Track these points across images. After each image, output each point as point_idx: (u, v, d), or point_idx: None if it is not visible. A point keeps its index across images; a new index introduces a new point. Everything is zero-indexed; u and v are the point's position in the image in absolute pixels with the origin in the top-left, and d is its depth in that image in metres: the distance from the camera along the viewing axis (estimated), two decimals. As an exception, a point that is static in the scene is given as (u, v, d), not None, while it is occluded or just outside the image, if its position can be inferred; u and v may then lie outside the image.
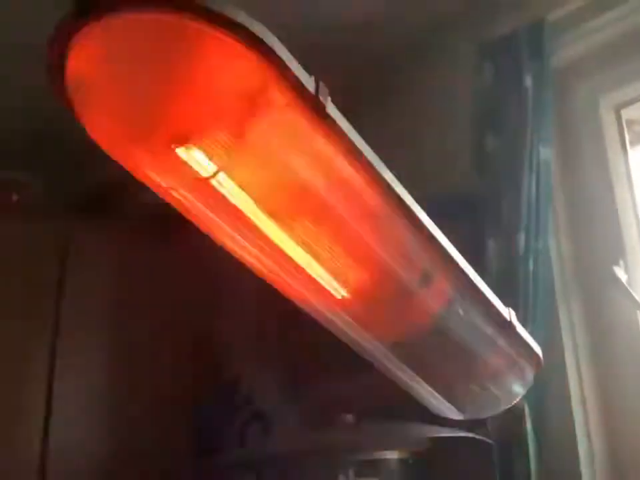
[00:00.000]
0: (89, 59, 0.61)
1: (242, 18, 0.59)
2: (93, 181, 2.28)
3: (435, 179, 1.59)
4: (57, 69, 0.62)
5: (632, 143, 1.59)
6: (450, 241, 0.87)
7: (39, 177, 2.20)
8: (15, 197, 2.08)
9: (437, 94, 1.80)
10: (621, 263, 1.47)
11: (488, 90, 1.59)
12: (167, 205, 0.85)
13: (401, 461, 1.29)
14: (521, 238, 1.43)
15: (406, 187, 0.79)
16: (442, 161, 1.70)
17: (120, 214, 2.22)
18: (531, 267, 1.42)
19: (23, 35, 1.82)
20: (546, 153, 1.50)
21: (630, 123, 1.62)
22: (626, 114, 1.61)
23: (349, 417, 1.30)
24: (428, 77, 1.86)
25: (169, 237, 2.18)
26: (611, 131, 1.59)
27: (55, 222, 2.01)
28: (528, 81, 1.53)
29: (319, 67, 0.70)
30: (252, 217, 0.75)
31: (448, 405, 1.14)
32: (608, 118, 1.61)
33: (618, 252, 1.48)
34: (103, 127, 0.64)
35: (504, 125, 1.54)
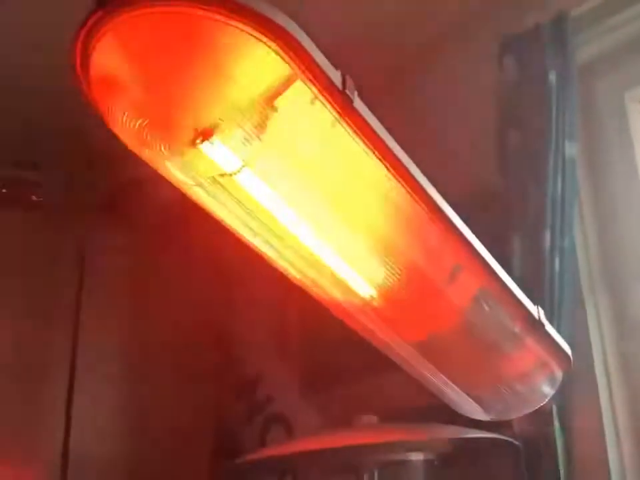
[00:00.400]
0: (112, 55, 0.61)
1: (267, 10, 0.58)
2: (112, 180, 2.29)
3: (459, 176, 1.57)
4: (81, 66, 0.62)
5: (658, 138, 1.56)
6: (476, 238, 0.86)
7: (57, 177, 2.21)
8: (34, 197, 2.08)
9: (460, 90, 1.78)
10: (649, 260, 1.44)
11: (511, 86, 1.57)
12: (185, 204, 0.84)
13: (427, 462, 1.27)
14: (547, 235, 1.41)
15: (430, 184, 0.78)
16: (466, 157, 1.69)
17: (138, 214, 2.22)
18: (557, 264, 1.40)
19: (42, 34, 1.84)
20: (571, 149, 1.47)
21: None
22: (652, 108, 1.58)
23: (373, 418, 1.28)
24: (451, 72, 1.85)
25: (188, 236, 2.18)
26: (637, 126, 1.56)
27: (73, 222, 2.02)
28: (552, 77, 1.51)
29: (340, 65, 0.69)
30: (277, 214, 0.74)
31: (474, 405, 1.12)
32: (634, 113, 1.58)
33: (645, 249, 1.46)
34: (126, 124, 0.63)
35: (528, 121, 1.51)
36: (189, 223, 2.08)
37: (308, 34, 0.61)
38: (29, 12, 1.77)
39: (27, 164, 2.15)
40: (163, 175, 0.71)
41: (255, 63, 0.61)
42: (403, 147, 0.73)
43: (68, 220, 2.01)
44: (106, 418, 1.94)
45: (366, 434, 1.23)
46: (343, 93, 0.64)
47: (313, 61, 0.61)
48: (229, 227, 0.79)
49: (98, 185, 2.29)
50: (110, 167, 2.23)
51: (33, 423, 1.80)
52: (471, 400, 1.09)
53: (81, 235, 2.00)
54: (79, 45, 0.60)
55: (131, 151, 0.68)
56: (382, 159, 0.70)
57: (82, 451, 1.84)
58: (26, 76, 2.01)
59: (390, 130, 0.71)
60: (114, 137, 0.66)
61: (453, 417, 1.19)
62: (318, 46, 0.63)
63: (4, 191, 2.03)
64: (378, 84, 1.79)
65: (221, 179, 0.69)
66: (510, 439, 1.24)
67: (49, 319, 1.90)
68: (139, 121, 0.62)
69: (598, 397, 1.40)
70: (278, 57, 0.60)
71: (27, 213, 1.94)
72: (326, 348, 1.99)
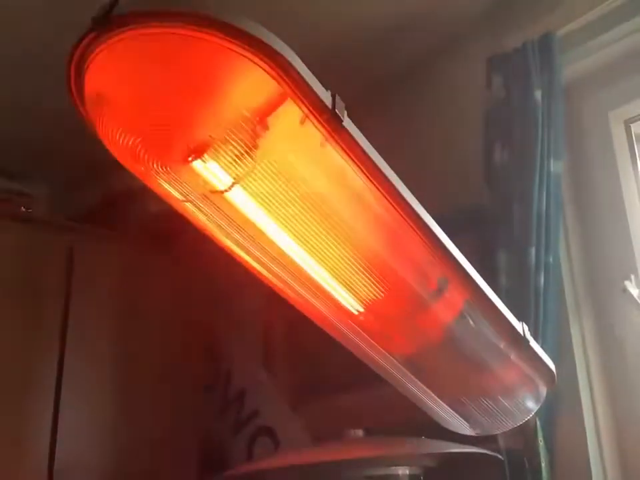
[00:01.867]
0: (107, 73, 0.62)
1: (259, 32, 0.59)
2: (98, 192, 2.29)
3: (445, 192, 1.59)
4: (75, 84, 0.63)
5: (642, 158, 1.59)
6: (462, 254, 0.87)
7: (44, 189, 2.21)
8: (22, 208, 2.08)
9: (448, 107, 1.80)
10: (632, 277, 1.46)
11: (498, 103, 1.60)
12: (170, 216, 0.85)
13: (412, 477, 1.27)
14: (532, 251, 1.42)
15: (417, 201, 0.79)
16: (453, 174, 1.70)
17: (124, 225, 2.22)
18: (542, 281, 1.42)
19: (30, 49, 1.84)
20: (557, 166, 1.50)
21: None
22: (636, 128, 1.61)
23: (359, 432, 1.29)
24: (439, 89, 1.87)
25: (173, 248, 2.19)
26: (621, 145, 1.59)
27: (60, 233, 2.02)
28: (538, 95, 1.53)
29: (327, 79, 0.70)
30: (266, 230, 0.75)
31: (460, 420, 1.13)
32: (618, 132, 1.60)
33: (629, 266, 1.48)
34: (119, 140, 0.64)
35: (514, 137, 1.54)
36: (177, 236, 2.09)
37: (297, 50, 0.63)
38: (17, 24, 1.78)
39: (15, 175, 2.15)
40: (154, 190, 0.72)
41: (247, 83, 0.63)
42: (390, 165, 0.74)
43: (56, 231, 2.01)
44: (92, 430, 1.92)
45: (352, 448, 1.23)
46: (332, 112, 0.65)
47: (303, 80, 0.63)
48: (218, 242, 0.80)
49: (86, 197, 2.30)
50: (98, 179, 2.24)
51: (19, 434, 1.79)
52: (456, 415, 1.10)
53: (69, 246, 2.00)
54: (74, 64, 0.61)
55: (119, 165, 0.68)
56: (370, 177, 0.72)
57: (68, 462, 1.82)
58: (15, 89, 2.02)
59: (377, 147, 0.72)
60: (103, 150, 0.67)
61: (439, 432, 1.20)
62: (307, 63, 0.64)
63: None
64: (365, 100, 1.80)
65: (211, 196, 0.70)
66: (495, 454, 1.25)
67: (36, 330, 1.89)
68: (132, 139, 0.63)
69: (582, 413, 1.41)
70: (269, 77, 0.62)
71: (16, 224, 1.94)
72: (312, 361, 2.00)
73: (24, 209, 2.09)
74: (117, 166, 0.69)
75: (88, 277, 2.02)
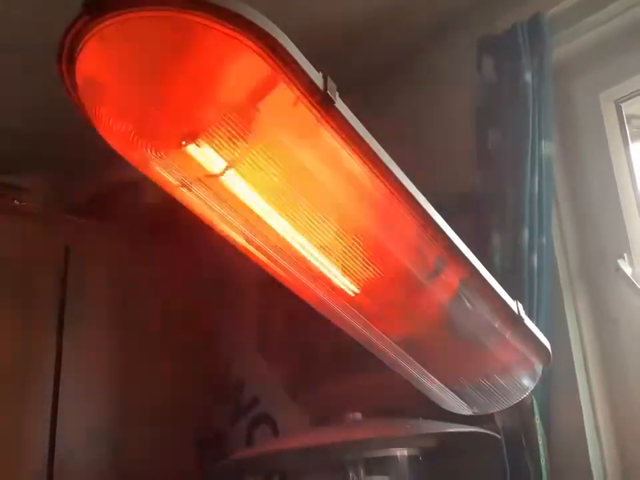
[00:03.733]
0: (99, 59, 0.62)
1: (250, 14, 0.60)
2: (95, 185, 2.29)
3: (438, 175, 1.59)
4: (68, 69, 0.63)
5: (633, 138, 1.59)
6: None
7: (39, 182, 2.20)
8: (17, 202, 2.08)
9: (440, 90, 1.80)
10: (625, 255, 1.47)
11: (488, 86, 1.60)
12: (168, 207, 0.85)
13: (411, 458, 1.29)
14: (525, 233, 1.43)
15: (411, 182, 0.80)
16: (445, 157, 1.71)
17: (120, 216, 2.22)
18: (535, 261, 1.43)
19: (25, 36, 1.83)
20: (548, 147, 1.50)
21: (630, 117, 1.63)
22: (626, 108, 1.61)
23: (357, 415, 1.30)
24: (429, 74, 1.87)
25: (171, 239, 2.19)
26: (611, 126, 1.59)
27: (56, 226, 2.01)
28: (528, 76, 1.53)
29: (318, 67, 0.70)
30: (261, 213, 0.75)
31: (457, 400, 1.14)
32: (608, 112, 1.61)
33: (622, 245, 1.49)
34: (113, 126, 0.64)
35: (505, 120, 1.54)
36: (174, 228, 2.09)
37: (289, 34, 0.63)
38: (11, 10, 1.77)
39: (9, 168, 2.14)
40: (149, 176, 0.72)
41: (239, 66, 0.63)
42: (384, 147, 0.75)
43: (52, 225, 2.01)
44: (92, 426, 1.93)
45: (351, 431, 1.24)
46: (324, 93, 0.66)
47: (295, 63, 0.63)
48: (214, 227, 0.81)
49: (81, 190, 2.29)
50: (94, 171, 2.24)
51: (18, 431, 1.79)
52: (453, 394, 1.11)
53: (66, 239, 1.99)
54: (65, 50, 0.61)
55: (114, 155, 0.69)
56: (363, 158, 0.72)
57: (67, 459, 1.83)
58: (7, 80, 2.01)
59: (371, 131, 0.73)
60: (97, 142, 0.67)
61: (436, 415, 1.21)
62: (299, 47, 0.64)
63: (-14, 196, 2.03)
64: (356, 88, 1.80)
65: (206, 180, 0.70)
66: (492, 433, 1.26)
67: (33, 326, 1.89)
68: (126, 125, 0.63)
69: (577, 390, 1.43)
70: (261, 60, 0.62)
71: (11, 218, 1.93)
72: (309, 349, 2.01)
73: (18, 203, 2.08)
74: (112, 157, 0.70)
75: (85, 270, 2.02)
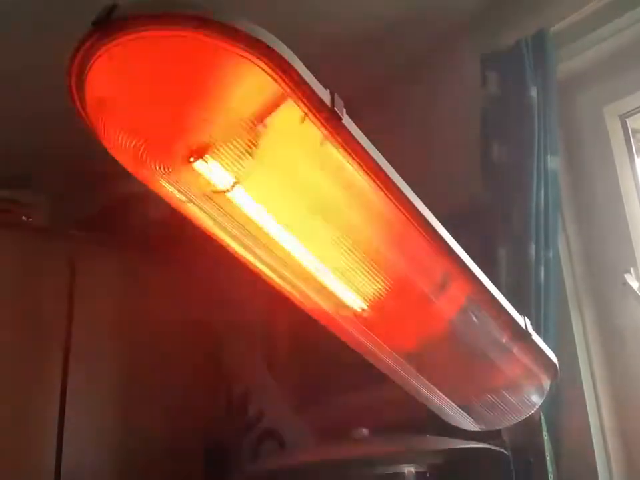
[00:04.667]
0: (108, 77, 0.62)
1: (257, 32, 0.60)
2: (101, 199, 2.30)
3: (444, 189, 1.60)
4: (77, 87, 0.63)
5: (638, 152, 1.59)
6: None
7: (43, 198, 2.21)
8: (24, 217, 2.09)
9: (445, 105, 1.81)
10: (632, 270, 1.47)
11: (494, 100, 1.60)
12: (173, 222, 0.85)
13: (418, 474, 1.28)
14: (531, 247, 1.43)
15: (417, 197, 0.80)
16: (451, 172, 1.71)
17: (124, 232, 2.23)
18: (542, 276, 1.42)
19: (28, 56, 1.85)
20: (554, 162, 1.51)
21: (635, 131, 1.63)
22: (632, 122, 1.62)
23: (364, 431, 1.29)
24: (435, 87, 1.88)
25: (176, 254, 2.19)
26: (617, 140, 1.60)
27: (61, 242, 2.02)
28: (533, 92, 1.54)
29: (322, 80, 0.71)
30: (268, 229, 0.76)
31: (464, 415, 1.14)
32: (614, 127, 1.61)
33: (629, 259, 1.49)
34: (122, 143, 0.64)
35: (510, 135, 1.55)
36: (178, 241, 2.09)
37: (294, 50, 0.63)
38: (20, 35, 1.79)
39: (14, 184, 2.15)
40: (156, 192, 0.72)
41: (246, 83, 0.63)
42: (390, 162, 0.75)
43: (57, 240, 2.01)
44: (98, 434, 1.93)
45: (357, 447, 1.23)
46: (331, 110, 0.66)
47: (302, 80, 0.63)
48: (221, 243, 0.81)
49: (87, 204, 2.30)
50: (98, 187, 2.25)
51: (25, 438, 1.79)
52: (460, 410, 1.11)
53: (70, 254, 2.00)
54: (75, 66, 0.62)
55: (120, 170, 0.69)
56: (370, 174, 0.72)
57: (74, 467, 1.83)
58: (14, 97, 2.02)
59: (377, 145, 0.73)
60: (103, 157, 0.68)
61: (442, 431, 1.20)
62: (305, 61, 0.65)
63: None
64: (363, 98, 1.81)
65: (214, 196, 0.70)
66: (500, 449, 1.25)
67: (40, 338, 1.90)
68: (134, 141, 0.63)
69: (585, 405, 1.42)
70: (268, 77, 0.62)
71: (17, 233, 1.94)
72: (316, 363, 2.00)
73: (24, 218, 2.09)
74: (116, 174, 0.70)
75: (89, 284, 2.03)
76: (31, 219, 2.10)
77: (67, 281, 1.98)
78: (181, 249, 2.14)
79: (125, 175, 0.70)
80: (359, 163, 0.71)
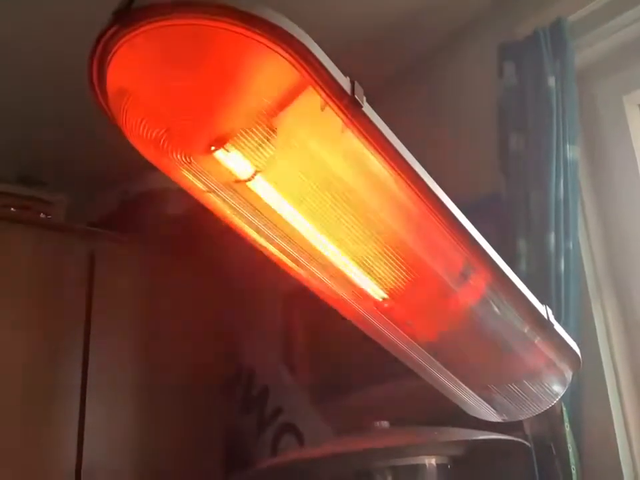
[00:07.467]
0: (129, 67, 0.62)
1: (278, 20, 0.60)
2: (116, 197, 2.31)
3: (462, 181, 1.59)
4: (98, 79, 0.64)
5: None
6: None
7: (62, 195, 2.23)
8: (42, 215, 2.10)
9: (463, 95, 1.80)
10: (653, 259, 1.46)
11: (512, 91, 1.59)
12: (193, 217, 0.85)
13: (440, 466, 1.27)
14: (551, 237, 1.42)
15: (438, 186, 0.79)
16: (470, 163, 1.70)
17: (143, 229, 2.24)
18: (562, 266, 1.41)
19: (48, 55, 1.87)
20: (573, 151, 1.49)
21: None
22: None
23: (384, 423, 1.29)
24: (452, 80, 1.87)
25: (194, 251, 2.20)
26: (636, 128, 1.58)
27: (81, 239, 2.03)
28: (551, 81, 1.53)
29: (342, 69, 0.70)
30: (289, 218, 0.76)
31: (485, 406, 1.13)
32: (633, 115, 1.60)
33: (649, 248, 1.47)
34: (143, 133, 0.64)
35: (529, 125, 1.53)
36: (197, 237, 2.10)
37: (315, 39, 0.63)
38: (37, 25, 1.80)
39: (34, 181, 2.17)
40: (178, 182, 0.72)
41: (267, 71, 0.63)
42: (410, 151, 0.75)
43: (77, 237, 2.03)
44: (118, 434, 1.93)
45: (378, 438, 1.23)
46: (352, 98, 0.66)
47: (323, 67, 0.63)
48: (241, 233, 0.81)
49: (105, 202, 2.32)
50: (117, 184, 2.26)
51: (45, 442, 1.80)
52: (482, 401, 1.10)
53: (90, 251, 2.01)
54: (96, 59, 0.62)
55: (138, 167, 0.69)
56: (391, 162, 0.72)
57: (95, 467, 1.84)
58: (34, 95, 2.04)
59: (397, 134, 0.73)
60: (120, 155, 0.68)
61: (462, 424, 1.20)
62: (324, 51, 0.64)
63: (12, 209, 2.05)
64: (380, 89, 1.81)
65: (234, 185, 0.70)
66: (522, 440, 1.24)
67: (59, 338, 1.90)
68: (156, 131, 0.63)
69: (607, 396, 1.41)
70: (288, 65, 0.62)
71: (36, 231, 1.95)
72: (332, 359, 2.00)
73: (44, 216, 2.10)
74: (134, 170, 0.70)
75: (109, 282, 2.03)
76: (49, 216, 2.11)
77: (86, 278, 1.99)
78: (199, 245, 2.15)
79: (144, 172, 0.70)
80: (379, 151, 0.70)
